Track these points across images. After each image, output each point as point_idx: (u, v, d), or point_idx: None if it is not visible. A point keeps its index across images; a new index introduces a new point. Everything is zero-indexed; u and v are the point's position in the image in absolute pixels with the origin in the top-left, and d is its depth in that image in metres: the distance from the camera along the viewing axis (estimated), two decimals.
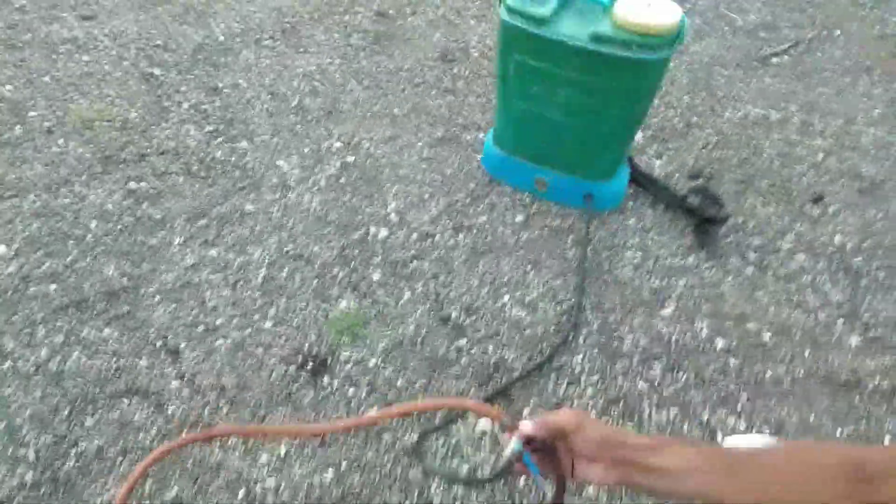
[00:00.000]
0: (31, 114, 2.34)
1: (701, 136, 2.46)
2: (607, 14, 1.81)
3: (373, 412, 0.98)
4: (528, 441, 0.91)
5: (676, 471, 0.86)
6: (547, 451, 0.91)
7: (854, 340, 1.85)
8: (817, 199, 2.24)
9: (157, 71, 2.56)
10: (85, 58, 2.59)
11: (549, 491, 0.92)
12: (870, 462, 0.79)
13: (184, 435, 1.41)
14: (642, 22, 1.74)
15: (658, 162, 2.35)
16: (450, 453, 1.57)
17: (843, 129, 2.52)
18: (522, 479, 1.54)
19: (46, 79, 2.48)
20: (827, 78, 2.76)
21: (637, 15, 1.74)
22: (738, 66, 2.80)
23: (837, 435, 1.64)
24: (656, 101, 2.57)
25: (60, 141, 2.25)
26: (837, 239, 2.12)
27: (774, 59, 2.84)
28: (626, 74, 1.84)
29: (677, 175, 2.30)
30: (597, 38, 1.78)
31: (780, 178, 2.31)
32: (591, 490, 1.51)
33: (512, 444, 0.89)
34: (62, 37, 2.67)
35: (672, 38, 1.80)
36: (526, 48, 1.89)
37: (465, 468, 1.55)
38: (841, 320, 1.90)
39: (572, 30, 1.81)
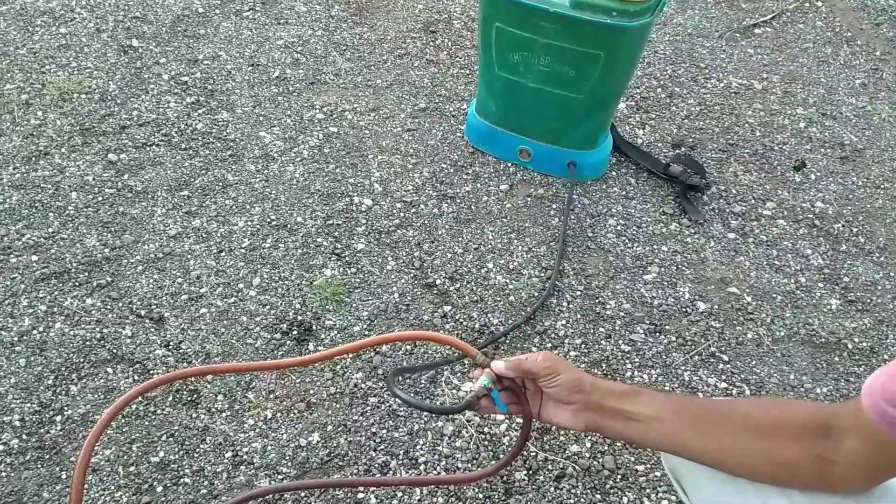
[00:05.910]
0: (8, 86, 2.31)
1: (683, 106, 2.47)
2: None
3: (351, 343, 1.01)
4: (499, 379, 0.92)
5: (646, 417, 0.88)
6: (516, 391, 0.93)
7: (834, 303, 1.88)
8: (799, 167, 2.26)
9: (135, 42, 2.53)
10: (62, 30, 2.55)
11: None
12: (834, 417, 0.81)
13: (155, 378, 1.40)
14: None
15: (641, 132, 2.36)
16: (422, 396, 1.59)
17: (825, 99, 2.54)
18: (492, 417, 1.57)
19: (23, 51, 2.45)
20: (808, 48, 2.78)
21: None
22: (721, 36, 2.81)
23: (817, 393, 1.67)
24: (639, 72, 2.58)
25: (39, 113, 2.23)
26: (818, 205, 2.14)
27: (756, 30, 2.85)
28: (607, 41, 1.84)
29: (660, 144, 2.31)
30: (578, 5, 1.78)
31: (762, 147, 2.33)
32: (574, 447, 1.53)
33: (482, 380, 0.91)
34: (38, 9, 2.63)
35: (653, 5, 1.81)
36: (507, 16, 1.89)
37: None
38: (821, 283, 1.93)
39: None
